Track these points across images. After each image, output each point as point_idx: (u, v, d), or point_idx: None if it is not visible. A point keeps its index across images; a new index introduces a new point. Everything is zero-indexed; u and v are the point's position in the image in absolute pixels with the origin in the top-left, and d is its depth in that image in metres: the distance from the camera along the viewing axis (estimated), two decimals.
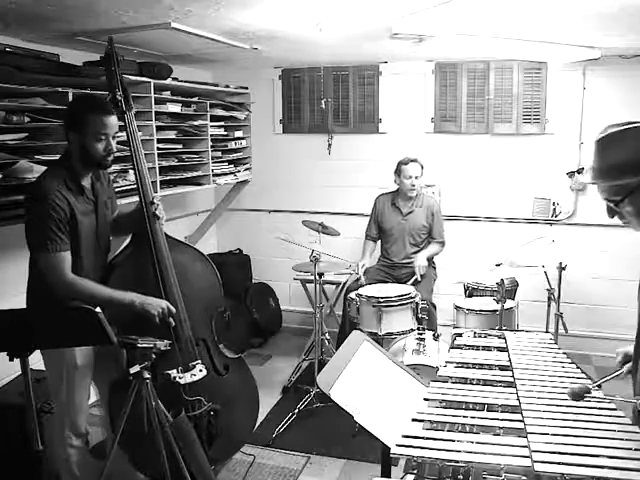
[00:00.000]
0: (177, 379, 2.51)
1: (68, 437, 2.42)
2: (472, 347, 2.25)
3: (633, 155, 1.38)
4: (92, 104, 2.44)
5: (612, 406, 1.67)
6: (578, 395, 1.59)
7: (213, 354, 2.79)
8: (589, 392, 1.59)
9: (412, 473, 1.47)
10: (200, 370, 2.59)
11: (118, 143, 3.32)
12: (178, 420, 2.39)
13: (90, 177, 2.45)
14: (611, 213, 1.49)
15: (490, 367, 2.01)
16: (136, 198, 3.36)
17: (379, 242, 4.45)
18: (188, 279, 2.73)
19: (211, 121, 4.29)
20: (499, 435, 1.54)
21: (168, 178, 3.89)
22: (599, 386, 1.83)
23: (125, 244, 2.72)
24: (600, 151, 1.45)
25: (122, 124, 2.60)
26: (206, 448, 2.56)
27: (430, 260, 4.26)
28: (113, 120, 2.38)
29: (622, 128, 1.43)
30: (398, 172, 4.22)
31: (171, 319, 2.51)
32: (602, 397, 1.72)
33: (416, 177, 4.15)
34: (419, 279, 4.02)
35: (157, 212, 2.60)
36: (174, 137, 3.97)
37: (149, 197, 2.61)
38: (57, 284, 2.29)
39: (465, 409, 1.71)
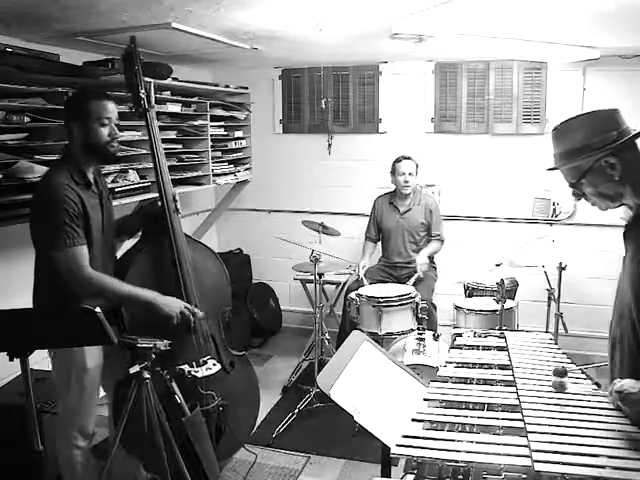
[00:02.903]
0: (193, 373, 2.52)
1: (74, 438, 2.40)
2: (472, 347, 2.25)
3: (582, 139, 1.56)
4: (90, 92, 2.49)
5: (612, 406, 1.67)
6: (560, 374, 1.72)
7: (221, 351, 2.82)
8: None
9: (412, 473, 1.47)
10: (214, 364, 2.61)
11: (123, 143, 3.35)
12: (194, 414, 2.40)
13: (93, 172, 2.45)
14: (577, 196, 1.68)
15: (490, 367, 2.02)
16: (136, 198, 3.40)
17: (379, 243, 4.46)
18: (202, 276, 2.76)
19: (211, 121, 4.29)
20: (499, 435, 1.54)
21: None
22: (598, 385, 1.83)
23: (136, 240, 2.73)
24: (556, 139, 1.65)
25: (143, 123, 2.65)
26: (214, 443, 2.57)
27: (431, 259, 4.27)
28: (112, 105, 2.40)
29: (572, 117, 1.61)
30: (393, 170, 4.25)
31: (192, 317, 2.52)
32: (602, 395, 1.72)
33: (410, 173, 4.17)
34: (421, 276, 4.02)
35: (178, 206, 2.64)
36: (174, 137, 3.97)
37: (170, 194, 2.64)
38: (76, 280, 2.26)
39: (465, 409, 1.71)
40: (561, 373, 1.72)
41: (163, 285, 2.58)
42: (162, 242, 2.61)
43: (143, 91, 2.60)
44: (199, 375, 2.53)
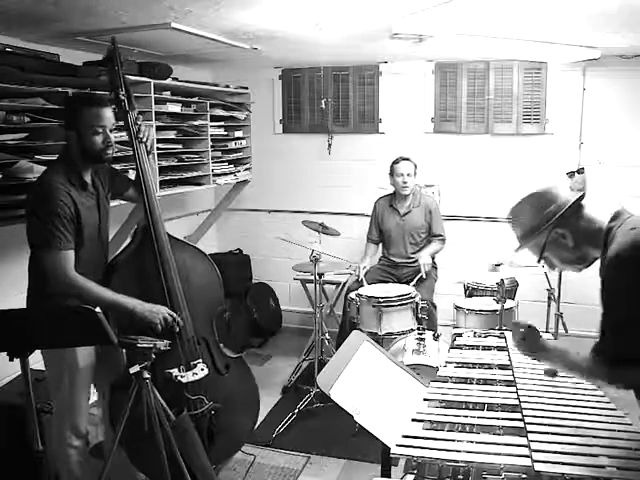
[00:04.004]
0: (179, 378, 2.51)
1: (68, 437, 2.41)
2: (472, 347, 2.25)
3: (528, 222, 1.73)
4: (85, 98, 2.48)
5: (612, 406, 1.68)
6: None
7: (214, 353, 2.80)
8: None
9: (412, 473, 1.47)
10: (202, 369, 2.59)
11: (119, 143, 3.34)
12: (180, 419, 2.40)
13: (90, 173, 2.45)
14: (550, 267, 1.83)
15: (490, 367, 2.02)
16: None
17: (381, 244, 4.46)
18: (190, 278, 2.73)
19: (211, 121, 4.28)
20: (499, 435, 1.54)
21: (168, 178, 3.89)
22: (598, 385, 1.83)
23: (126, 244, 2.73)
24: (511, 225, 1.82)
25: (122, 124, 2.62)
26: (207, 447, 2.56)
27: (432, 259, 4.27)
28: (108, 112, 2.38)
29: (516, 203, 1.79)
30: (391, 172, 4.24)
31: (175, 324, 2.51)
32: (602, 396, 1.72)
33: (408, 174, 4.16)
34: (424, 276, 4.02)
35: (142, 137, 2.63)
36: (174, 137, 3.96)
37: (156, 204, 2.61)
38: (60, 283, 2.28)
39: (465, 409, 1.71)
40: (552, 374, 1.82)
41: (147, 286, 2.57)
42: (146, 247, 2.60)
43: (123, 92, 2.59)
44: (184, 381, 2.52)
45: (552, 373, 1.81)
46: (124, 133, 3.34)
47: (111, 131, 2.40)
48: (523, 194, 1.83)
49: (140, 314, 2.40)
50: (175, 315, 2.52)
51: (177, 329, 2.53)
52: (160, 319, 2.44)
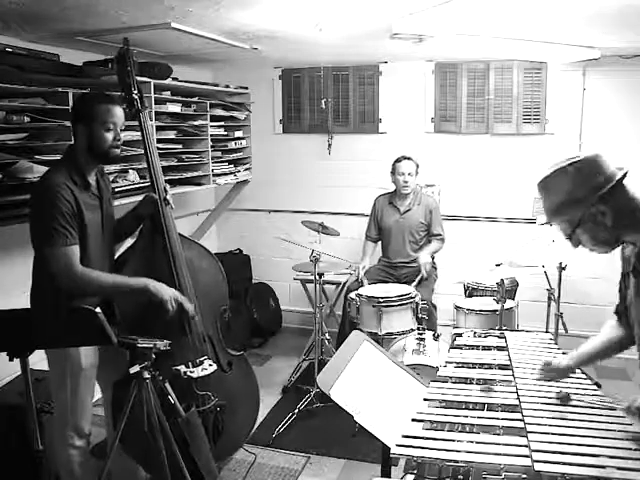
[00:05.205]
0: (188, 373, 2.52)
1: (70, 437, 2.40)
2: (472, 347, 2.25)
3: (567, 192, 1.52)
4: (100, 95, 2.49)
5: (612, 406, 1.68)
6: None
7: (218, 351, 2.82)
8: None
9: (412, 473, 1.48)
10: (210, 364, 2.61)
11: (124, 144, 3.35)
12: (189, 415, 2.40)
13: (94, 174, 2.46)
14: (575, 244, 1.60)
15: (490, 367, 2.02)
16: (136, 198, 3.40)
17: (379, 243, 4.46)
18: (197, 275, 2.75)
19: (211, 121, 4.29)
20: (499, 435, 1.54)
21: (168, 178, 3.88)
22: (598, 385, 1.84)
23: (133, 241, 2.73)
24: (542, 194, 1.61)
25: (137, 123, 2.65)
26: (212, 444, 2.57)
27: (432, 259, 4.27)
28: (120, 111, 2.40)
29: (555, 169, 1.58)
30: (393, 170, 4.26)
31: (187, 307, 2.53)
32: (602, 396, 1.72)
33: (409, 174, 4.17)
34: (425, 276, 4.02)
35: (168, 197, 2.66)
36: (174, 137, 3.97)
37: (162, 185, 2.68)
38: (67, 278, 2.27)
39: (465, 409, 1.71)
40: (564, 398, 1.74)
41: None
42: (156, 242, 2.61)
43: (136, 92, 2.61)
44: (194, 375, 2.52)
45: (565, 398, 1.70)
46: (124, 133, 3.36)
47: (121, 130, 2.41)
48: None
49: (154, 291, 2.41)
50: (184, 297, 2.53)
51: (187, 321, 2.56)
52: (171, 296, 2.45)
